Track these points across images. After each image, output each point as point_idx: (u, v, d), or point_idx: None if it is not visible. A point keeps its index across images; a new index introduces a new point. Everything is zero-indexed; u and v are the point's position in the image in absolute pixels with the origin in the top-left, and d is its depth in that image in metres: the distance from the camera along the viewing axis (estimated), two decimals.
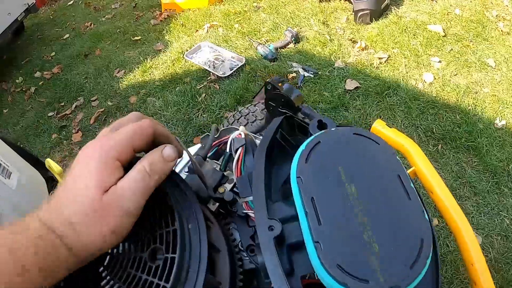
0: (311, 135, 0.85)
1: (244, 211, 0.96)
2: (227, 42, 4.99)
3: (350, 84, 4.05)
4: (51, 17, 7.42)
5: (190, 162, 1.22)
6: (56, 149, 4.51)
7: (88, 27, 6.57)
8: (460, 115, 3.60)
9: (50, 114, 5.00)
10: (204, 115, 4.09)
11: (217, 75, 4.45)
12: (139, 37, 5.73)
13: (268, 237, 0.73)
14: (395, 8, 4.95)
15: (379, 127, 1.37)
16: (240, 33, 5.11)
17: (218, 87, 4.35)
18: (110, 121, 4.49)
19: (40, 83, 5.65)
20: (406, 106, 3.73)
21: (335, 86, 4.06)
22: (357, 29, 4.76)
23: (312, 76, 4.21)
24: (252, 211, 0.94)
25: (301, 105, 1.36)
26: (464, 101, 3.73)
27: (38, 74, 5.86)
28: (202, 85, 4.44)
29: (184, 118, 4.12)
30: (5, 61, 6.47)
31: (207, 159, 1.20)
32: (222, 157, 1.20)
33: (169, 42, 5.37)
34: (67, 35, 6.56)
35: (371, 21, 4.80)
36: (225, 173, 1.08)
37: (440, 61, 4.18)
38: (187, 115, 4.16)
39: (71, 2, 7.66)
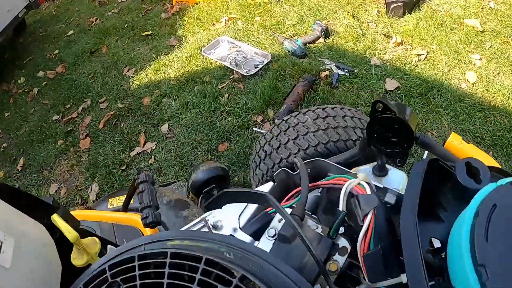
0: (462, 187, 0.79)
1: None
2: (248, 37, 4.58)
3: (390, 84, 3.68)
4: (54, 13, 7.05)
5: (271, 223, 1.01)
6: (62, 157, 4.16)
7: (93, 22, 6.19)
8: (508, 119, 3.26)
9: (54, 117, 4.65)
10: (229, 119, 3.67)
11: (240, 73, 4.07)
12: (150, 32, 5.35)
13: None
14: (428, 1, 4.53)
15: (456, 142, 1.26)
16: (262, 26, 4.70)
17: (242, 87, 3.95)
18: (122, 125, 4.09)
19: (43, 84, 5.32)
20: (452, 108, 3.37)
21: (373, 86, 3.69)
22: (390, 23, 4.34)
23: (347, 74, 3.83)
24: None
25: (418, 133, 1.14)
26: (510, 104, 3.38)
27: (41, 73, 5.53)
28: (224, 85, 4.05)
29: (206, 122, 3.72)
30: (6, 60, 6.17)
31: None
32: (320, 210, 1.06)
33: (183, 37, 4.98)
34: (71, 32, 6.19)
35: (404, 14, 4.39)
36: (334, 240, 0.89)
37: (480, 59, 3.79)
38: (209, 118, 3.75)
39: None
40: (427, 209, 0.86)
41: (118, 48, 5.31)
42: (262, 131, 3.41)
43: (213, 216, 1.16)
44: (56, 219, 1.13)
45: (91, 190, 3.62)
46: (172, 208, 2.39)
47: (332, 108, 2.25)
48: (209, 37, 4.77)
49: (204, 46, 4.56)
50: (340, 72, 3.84)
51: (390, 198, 1.02)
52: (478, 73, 3.67)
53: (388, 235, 0.84)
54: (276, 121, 3.16)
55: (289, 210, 0.96)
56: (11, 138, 4.71)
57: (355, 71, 3.85)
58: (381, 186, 1.05)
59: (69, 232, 1.08)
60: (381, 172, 1.29)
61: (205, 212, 1.13)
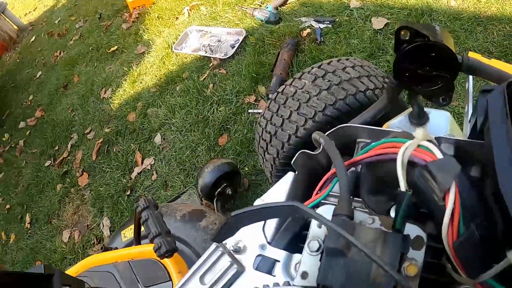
0: None
1: None
2: (215, 19, 4.31)
3: (378, 23, 3.40)
4: (18, 60, 6.84)
5: (309, 231, 0.74)
6: (65, 201, 3.96)
7: (58, 56, 5.96)
8: (510, 25, 3.02)
9: (47, 163, 4.45)
10: (221, 109, 3.41)
11: (219, 58, 3.80)
12: (115, 47, 5.09)
13: None
14: None
15: None
16: (227, 4, 4.41)
17: (225, 72, 3.68)
18: (114, 150, 3.84)
19: (27, 133, 5.14)
20: (449, 30, 3.11)
21: (361, 29, 3.40)
22: None
23: (330, 26, 3.55)
24: None
25: (460, 56, 0.88)
26: (506, 9, 3.12)
27: (22, 124, 5.34)
28: (206, 75, 3.78)
29: (198, 119, 3.46)
30: None
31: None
32: (364, 191, 0.81)
33: (150, 41, 4.72)
34: (40, 73, 5.97)
35: None
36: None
37: None
38: (200, 114, 3.49)
39: (33, 38, 7.02)
40: None
41: (89, 73, 5.07)
42: (259, 110, 3.16)
43: (231, 238, 0.90)
44: None
45: (103, 225, 3.41)
46: (188, 222, 2.19)
47: (329, 63, 1.98)
48: (176, 32, 4.51)
49: (174, 43, 4.30)
50: (322, 26, 3.56)
51: (447, 149, 0.77)
52: None
53: (480, 209, 0.59)
54: (270, 96, 2.92)
55: (327, 209, 0.71)
56: (12, 198, 4.54)
57: (337, 20, 3.56)
58: (432, 137, 0.78)
59: None
60: (420, 119, 1.03)
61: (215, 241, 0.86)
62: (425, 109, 1.05)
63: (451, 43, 0.82)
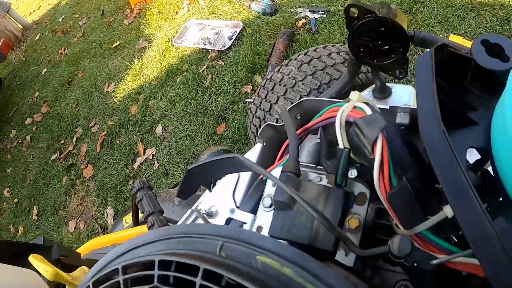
0: (486, 72, 0.63)
1: (434, 261, 0.58)
2: (214, 13, 4.37)
3: None
4: (23, 58, 6.92)
5: (264, 191, 0.81)
6: (71, 192, 4.06)
7: (62, 53, 6.04)
8: (503, 10, 2.99)
9: (53, 157, 4.55)
10: (219, 99, 3.48)
11: (217, 50, 3.86)
12: (118, 43, 5.16)
13: None
14: None
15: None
16: None
17: (223, 63, 3.74)
18: (118, 142, 3.94)
19: (33, 129, 5.24)
20: (442, 17, 3.11)
21: None
22: None
23: (324, 16, 3.58)
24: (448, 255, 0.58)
25: (412, 31, 0.93)
26: None
27: (28, 120, 5.44)
28: (204, 67, 3.85)
29: (197, 109, 3.53)
30: None
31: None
32: (323, 158, 0.84)
33: (151, 36, 4.79)
34: (45, 70, 6.06)
35: None
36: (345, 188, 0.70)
37: None
38: (199, 105, 3.56)
39: (38, 36, 7.11)
40: (450, 114, 0.64)
41: (92, 69, 5.16)
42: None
43: (204, 203, 0.99)
44: (32, 260, 0.98)
45: (107, 215, 3.50)
46: (185, 207, 2.25)
47: (315, 50, 2.05)
48: (175, 26, 4.57)
49: (174, 37, 4.36)
50: (317, 16, 3.60)
51: (402, 118, 0.79)
52: None
53: (413, 163, 0.65)
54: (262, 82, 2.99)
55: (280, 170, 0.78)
56: (19, 192, 4.64)
57: (331, 10, 3.59)
58: (387, 107, 0.84)
59: (46, 271, 0.94)
60: (383, 92, 1.09)
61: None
62: (390, 84, 1.12)
63: (403, 20, 0.88)
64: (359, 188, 0.72)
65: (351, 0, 0.87)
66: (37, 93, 5.75)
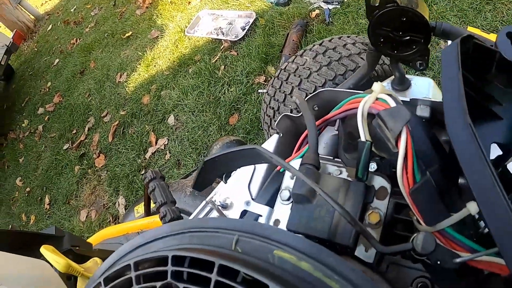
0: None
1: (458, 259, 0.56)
2: (227, 2, 4.32)
3: None
4: (35, 49, 6.96)
5: (282, 183, 0.77)
6: (83, 181, 4.08)
7: (74, 44, 6.05)
8: None
9: (65, 147, 4.58)
10: (232, 89, 3.45)
11: (230, 41, 3.82)
12: (130, 33, 5.15)
13: None
14: None
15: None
16: None
17: (236, 53, 3.71)
18: (130, 131, 3.94)
19: (45, 119, 5.28)
20: (458, 9, 3.05)
21: None
22: None
23: (338, 6, 3.53)
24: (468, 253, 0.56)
25: (433, 22, 0.92)
26: None
27: (41, 110, 5.49)
28: (217, 57, 3.82)
29: (210, 100, 3.51)
30: (5, 110, 6.20)
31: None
32: (342, 151, 0.81)
33: (163, 26, 4.76)
34: (57, 60, 6.09)
35: None
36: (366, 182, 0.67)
37: None
38: (212, 95, 3.54)
39: (50, 26, 7.14)
40: (475, 107, 0.61)
41: (104, 59, 5.16)
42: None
43: (219, 195, 0.97)
44: (43, 251, 0.97)
45: (119, 204, 3.51)
46: (197, 198, 2.25)
47: (330, 40, 2.02)
48: (188, 16, 4.54)
49: (186, 27, 4.33)
50: (331, 7, 3.55)
51: (423, 111, 0.77)
52: None
53: (436, 156, 0.62)
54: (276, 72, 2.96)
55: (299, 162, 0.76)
56: (31, 181, 4.68)
57: (345, 0, 3.53)
58: (408, 99, 0.81)
59: (58, 263, 0.92)
60: (402, 84, 1.06)
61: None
62: (409, 76, 1.09)
63: (424, 10, 0.86)
64: (379, 182, 0.69)
65: None
66: (49, 83, 5.78)
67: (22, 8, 7.45)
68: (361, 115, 0.67)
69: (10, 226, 4.31)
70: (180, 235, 0.57)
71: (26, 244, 1.18)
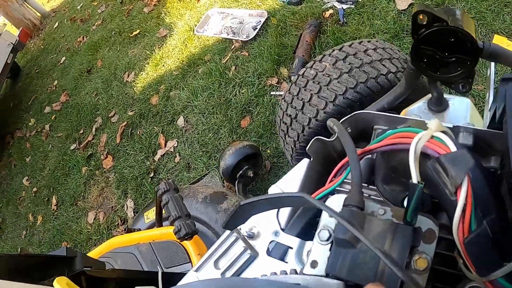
0: None
1: None
2: (237, 1, 4.25)
3: (402, 3, 3.27)
4: (42, 47, 6.92)
5: (321, 220, 0.71)
6: (90, 183, 4.03)
7: (81, 42, 6.00)
8: None
9: (72, 147, 4.53)
10: (243, 91, 3.38)
11: (241, 41, 3.75)
12: (138, 31, 5.08)
13: None
14: None
15: (505, 45, 0.92)
16: None
17: (247, 54, 3.64)
18: (138, 133, 3.87)
19: (52, 118, 5.23)
20: (476, 11, 2.98)
21: (384, 10, 3.29)
22: None
23: (352, 6, 3.45)
24: None
25: (481, 42, 0.84)
26: None
27: (47, 109, 5.45)
28: (228, 57, 3.75)
29: (221, 101, 3.44)
30: (11, 109, 6.16)
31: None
32: (379, 180, 0.79)
33: (172, 24, 4.69)
34: (64, 58, 6.04)
35: None
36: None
37: None
38: (223, 97, 3.47)
39: (56, 24, 7.09)
40: None
41: (112, 57, 5.10)
42: (281, 92, 3.13)
43: (245, 224, 0.90)
44: (56, 285, 0.91)
45: (127, 207, 3.45)
46: (209, 204, 2.21)
47: (350, 45, 1.94)
48: (197, 15, 4.46)
49: (196, 26, 4.26)
50: (345, 6, 3.47)
51: (466, 138, 0.73)
52: None
53: (493, 205, 0.57)
54: (292, 78, 2.89)
55: (339, 198, 0.70)
56: (38, 181, 4.65)
57: (360, 0, 3.46)
58: (450, 126, 0.75)
59: None
60: (439, 105, 1.00)
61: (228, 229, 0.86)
62: (445, 95, 1.02)
63: (471, 28, 0.79)
64: (427, 223, 0.64)
65: (419, 6, 0.77)
66: (56, 82, 5.74)
67: (28, 6, 7.40)
68: (414, 155, 0.61)
69: (19, 249, 4.25)
70: None
71: (38, 268, 1.13)
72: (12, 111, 6.10)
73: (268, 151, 2.96)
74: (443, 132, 0.61)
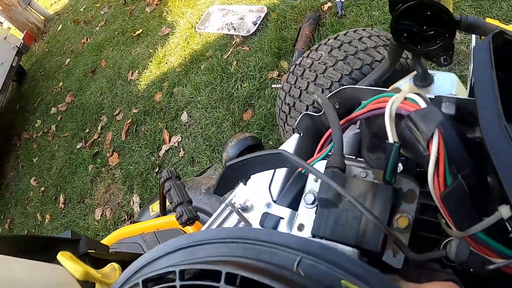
0: None
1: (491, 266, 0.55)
2: None
3: None
4: (46, 49, 6.98)
5: (306, 185, 0.73)
6: (97, 180, 4.08)
7: (85, 43, 6.06)
8: None
9: (78, 146, 4.58)
10: (245, 85, 3.42)
11: (241, 36, 3.79)
12: (140, 30, 5.13)
13: None
14: None
15: None
16: None
17: (248, 48, 3.68)
18: (143, 129, 3.92)
19: (58, 118, 5.29)
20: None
21: (382, 1, 3.31)
22: None
23: None
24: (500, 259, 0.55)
25: (458, 16, 0.89)
26: None
27: (53, 110, 5.51)
28: (229, 53, 3.79)
29: (223, 96, 3.48)
30: (18, 111, 6.22)
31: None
32: (365, 150, 0.81)
33: (174, 22, 4.73)
34: (68, 60, 6.10)
35: None
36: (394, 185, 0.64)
37: None
38: (225, 91, 3.51)
39: (60, 26, 7.14)
40: (508, 108, 0.58)
41: (115, 57, 5.15)
42: (281, 85, 3.17)
43: (239, 197, 0.94)
44: (60, 259, 0.95)
45: (133, 202, 3.51)
46: (213, 196, 2.23)
47: (345, 34, 1.98)
48: (198, 12, 4.50)
49: (197, 23, 4.31)
50: None
51: (448, 108, 0.75)
52: None
53: (468, 159, 0.59)
54: (290, 68, 2.92)
55: (322, 163, 0.73)
56: (46, 180, 4.70)
57: None
58: (432, 96, 0.78)
59: (75, 270, 0.90)
60: (425, 80, 1.03)
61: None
62: (432, 71, 1.05)
63: (448, 3, 0.82)
64: (407, 184, 0.66)
65: None
66: (61, 83, 5.80)
67: (32, 9, 7.46)
68: (389, 116, 0.63)
69: (26, 231, 4.32)
70: (234, 244, 0.51)
71: (42, 249, 1.16)
72: (18, 113, 6.15)
73: (270, 143, 3.00)
74: (416, 93, 0.64)
